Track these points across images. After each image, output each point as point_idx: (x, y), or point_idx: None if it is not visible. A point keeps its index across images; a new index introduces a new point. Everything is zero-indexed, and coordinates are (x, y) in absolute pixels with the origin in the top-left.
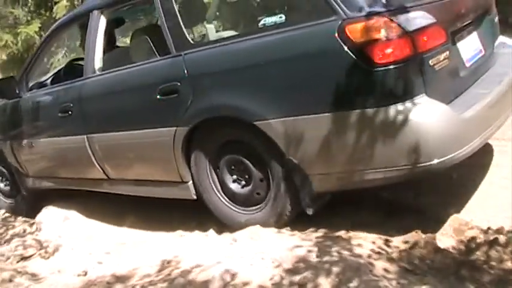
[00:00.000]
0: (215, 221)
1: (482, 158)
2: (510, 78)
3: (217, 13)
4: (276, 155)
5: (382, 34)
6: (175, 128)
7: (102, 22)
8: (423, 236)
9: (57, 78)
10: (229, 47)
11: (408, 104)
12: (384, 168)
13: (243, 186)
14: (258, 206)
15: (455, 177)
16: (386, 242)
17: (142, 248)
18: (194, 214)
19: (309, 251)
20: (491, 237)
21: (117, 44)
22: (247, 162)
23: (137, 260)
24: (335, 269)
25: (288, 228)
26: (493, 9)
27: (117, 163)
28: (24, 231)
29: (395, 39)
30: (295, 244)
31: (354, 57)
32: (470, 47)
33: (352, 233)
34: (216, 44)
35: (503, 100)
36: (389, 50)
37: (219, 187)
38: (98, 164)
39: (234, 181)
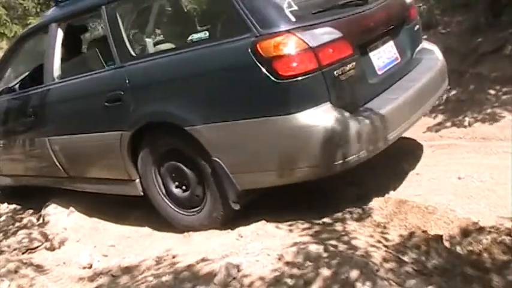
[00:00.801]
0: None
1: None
2: (420, 85)
3: (156, 28)
4: (206, 158)
5: (287, 50)
6: (121, 133)
7: (60, 34)
8: (430, 235)
9: (23, 84)
10: (163, 60)
11: (312, 111)
12: (291, 167)
13: (184, 191)
14: (198, 208)
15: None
16: (384, 235)
17: (147, 241)
18: None
19: (313, 246)
20: (499, 238)
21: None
22: (184, 167)
23: (142, 253)
24: (333, 262)
25: (291, 223)
26: (411, 19)
27: (74, 163)
28: (31, 223)
29: (300, 54)
30: (299, 240)
31: (264, 70)
32: (384, 55)
33: (352, 226)
34: (153, 57)
35: (408, 106)
36: (294, 64)
37: (163, 189)
38: (59, 163)
39: (176, 187)
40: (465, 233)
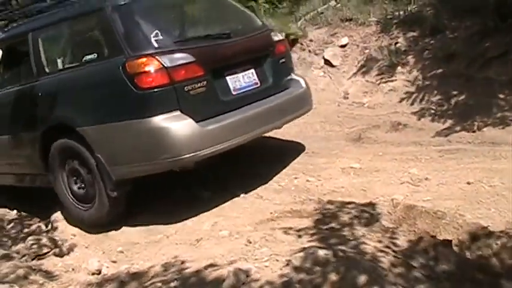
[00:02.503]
0: (229, 223)
1: None
2: (271, 105)
3: (64, 49)
4: (92, 154)
5: (146, 68)
6: (33, 133)
7: None
8: (439, 240)
9: None
10: (65, 75)
11: (164, 116)
12: (150, 160)
13: (81, 188)
14: (92, 202)
15: None
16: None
17: (156, 247)
18: (208, 217)
19: (321, 251)
20: (509, 243)
21: None
22: (78, 166)
23: (150, 259)
24: (342, 267)
25: (299, 229)
26: (276, 54)
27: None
28: (40, 230)
29: (156, 71)
30: (307, 245)
31: (128, 83)
32: (242, 80)
33: (361, 231)
34: (59, 73)
35: (252, 121)
36: (150, 79)
37: (67, 185)
38: None
39: (75, 183)
40: (474, 238)
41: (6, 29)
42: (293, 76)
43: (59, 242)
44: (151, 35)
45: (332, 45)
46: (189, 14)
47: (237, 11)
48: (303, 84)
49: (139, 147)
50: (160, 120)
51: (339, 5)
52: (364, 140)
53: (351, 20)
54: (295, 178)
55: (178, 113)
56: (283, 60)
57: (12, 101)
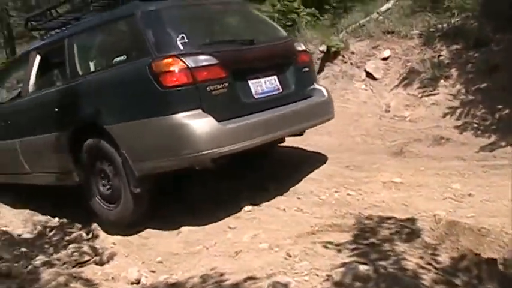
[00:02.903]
0: (269, 235)
1: None
2: (290, 110)
3: (96, 53)
4: (117, 151)
5: (171, 68)
6: (64, 133)
7: (37, 58)
8: (483, 258)
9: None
10: (96, 76)
11: (186, 113)
12: (172, 156)
13: (107, 187)
14: (118, 201)
15: None
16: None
17: (195, 258)
18: (248, 229)
19: (362, 267)
20: None
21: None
22: (105, 165)
23: (189, 270)
24: (382, 283)
25: (339, 243)
26: (299, 62)
27: (32, 159)
28: (80, 237)
29: (180, 71)
30: (348, 260)
31: (153, 82)
32: (264, 85)
33: (402, 247)
34: (90, 74)
35: (271, 124)
36: (174, 78)
37: (94, 184)
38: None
39: (102, 183)
40: None
41: (45, 37)
42: (315, 85)
43: (100, 251)
44: (177, 38)
45: (374, 58)
46: (215, 21)
47: (262, 21)
48: (325, 94)
49: (161, 143)
50: (182, 117)
51: (381, 17)
52: (405, 154)
53: (393, 32)
54: (336, 192)
55: (199, 111)
56: (306, 69)
57: (46, 102)
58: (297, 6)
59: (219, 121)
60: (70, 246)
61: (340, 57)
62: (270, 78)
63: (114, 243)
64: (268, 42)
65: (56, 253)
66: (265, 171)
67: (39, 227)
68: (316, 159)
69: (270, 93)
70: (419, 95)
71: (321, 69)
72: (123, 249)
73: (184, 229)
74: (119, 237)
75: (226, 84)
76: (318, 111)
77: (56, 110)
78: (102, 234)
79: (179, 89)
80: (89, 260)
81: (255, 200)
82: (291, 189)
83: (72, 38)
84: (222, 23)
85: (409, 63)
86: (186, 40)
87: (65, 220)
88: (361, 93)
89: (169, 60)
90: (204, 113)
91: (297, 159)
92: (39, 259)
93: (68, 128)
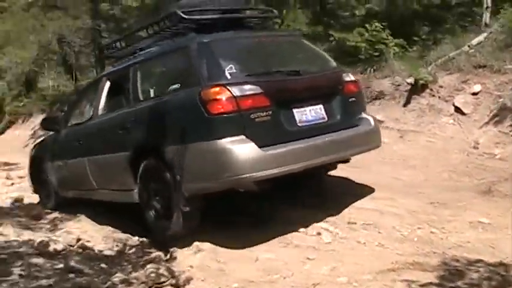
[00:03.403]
0: (348, 269)
1: None
2: (324, 141)
3: (156, 80)
4: (170, 171)
5: (218, 96)
6: (126, 153)
7: (107, 84)
8: None
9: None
10: (154, 102)
11: (230, 139)
12: (217, 178)
13: (161, 204)
14: (170, 217)
15: None
16: None
17: (271, 287)
18: (327, 261)
19: None
20: None
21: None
22: (160, 183)
23: None
24: None
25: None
26: (345, 93)
27: (98, 177)
28: (159, 258)
29: (226, 100)
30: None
31: (202, 109)
32: (309, 113)
33: None
34: (150, 100)
35: (312, 151)
36: (219, 106)
37: (150, 201)
38: (91, 177)
39: (157, 200)
40: None
41: (114, 65)
42: (363, 115)
43: (176, 273)
44: (226, 68)
45: (463, 93)
46: (265, 53)
47: (312, 51)
48: (372, 123)
49: (206, 166)
50: (225, 143)
51: (472, 50)
52: (494, 193)
53: (484, 66)
54: (419, 228)
55: (243, 137)
56: (353, 99)
57: (111, 124)
58: (385, 36)
59: (260, 147)
60: (148, 266)
61: (428, 90)
62: (316, 107)
63: (191, 267)
64: (316, 72)
65: (134, 272)
66: (347, 202)
67: (119, 245)
68: (400, 193)
69: (315, 122)
70: (511, 133)
71: (407, 102)
72: (200, 273)
73: (262, 257)
74: (196, 260)
75: (270, 112)
76: (364, 140)
77: (120, 131)
78: (180, 256)
79: (224, 116)
80: (166, 281)
81: (335, 231)
82: (372, 222)
83: (136, 67)
84: (272, 54)
85: (501, 99)
86: (234, 70)
87: (144, 239)
88: (449, 128)
89: (217, 89)
90: (246, 138)
91: (379, 192)
92: (118, 276)
93: (129, 149)
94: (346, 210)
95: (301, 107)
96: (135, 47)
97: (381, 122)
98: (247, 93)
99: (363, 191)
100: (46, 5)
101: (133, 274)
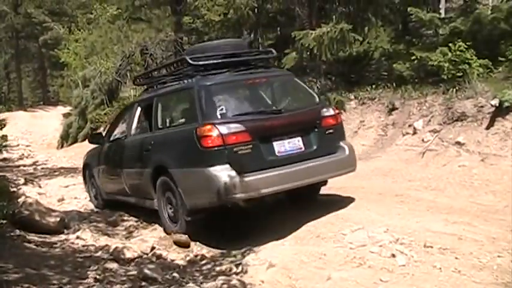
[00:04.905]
0: None
1: None
2: (299, 168)
3: (170, 112)
4: (176, 187)
5: (209, 133)
6: (148, 169)
7: (138, 109)
8: None
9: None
10: (167, 131)
11: (216, 167)
12: (207, 197)
13: (172, 211)
14: (178, 222)
15: None
16: None
17: None
18: (401, 285)
19: None
20: None
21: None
22: (171, 196)
23: None
24: None
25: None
26: (323, 126)
27: (130, 185)
28: (230, 270)
29: (215, 136)
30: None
31: (197, 142)
32: (287, 145)
33: None
34: (164, 129)
35: (285, 176)
36: (209, 141)
37: (164, 208)
38: (125, 185)
39: (169, 207)
40: None
41: (144, 93)
42: (340, 143)
43: (248, 287)
44: (218, 109)
45: None
46: (255, 93)
47: (300, 89)
48: (346, 151)
49: (199, 187)
50: (213, 170)
51: None
52: None
53: None
54: (499, 256)
55: (227, 166)
56: (331, 130)
57: (139, 144)
58: (469, 56)
59: (240, 173)
60: (219, 277)
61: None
62: (294, 139)
63: (262, 281)
64: (297, 109)
65: (205, 283)
66: (423, 225)
67: (191, 255)
68: (479, 219)
69: (292, 152)
70: None
71: (490, 125)
72: None
73: (335, 275)
74: (267, 276)
75: (251, 146)
76: (338, 166)
77: (145, 152)
78: (251, 270)
79: (214, 149)
80: None
81: (410, 254)
82: (449, 247)
83: (158, 98)
84: (261, 95)
85: None
86: (224, 111)
87: (217, 250)
88: None
89: (208, 127)
90: (229, 167)
91: (457, 216)
92: (190, 286)
93: (150, 166)
94: (422, 233)
95: (281, 139)
96: (159, 80)
97: (461, 144)
98: (232, 131)
99: (438, 213)
100: (131, 17)
101: (205, 285)
